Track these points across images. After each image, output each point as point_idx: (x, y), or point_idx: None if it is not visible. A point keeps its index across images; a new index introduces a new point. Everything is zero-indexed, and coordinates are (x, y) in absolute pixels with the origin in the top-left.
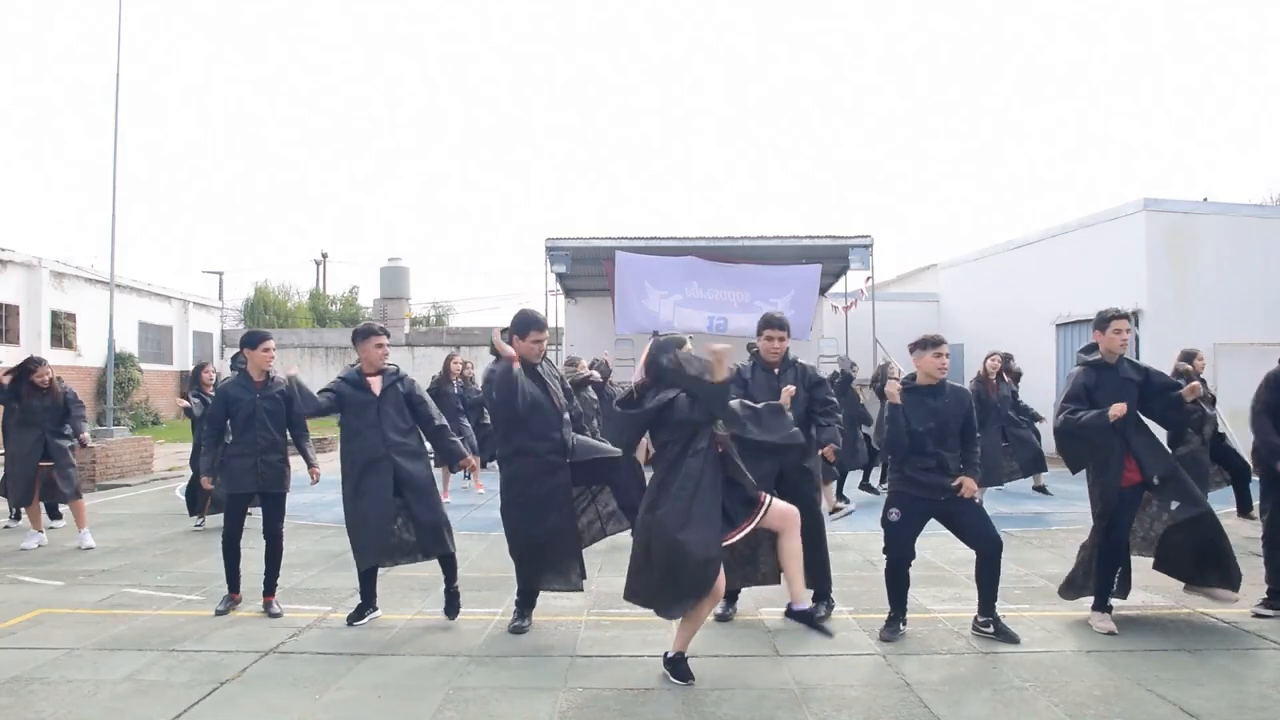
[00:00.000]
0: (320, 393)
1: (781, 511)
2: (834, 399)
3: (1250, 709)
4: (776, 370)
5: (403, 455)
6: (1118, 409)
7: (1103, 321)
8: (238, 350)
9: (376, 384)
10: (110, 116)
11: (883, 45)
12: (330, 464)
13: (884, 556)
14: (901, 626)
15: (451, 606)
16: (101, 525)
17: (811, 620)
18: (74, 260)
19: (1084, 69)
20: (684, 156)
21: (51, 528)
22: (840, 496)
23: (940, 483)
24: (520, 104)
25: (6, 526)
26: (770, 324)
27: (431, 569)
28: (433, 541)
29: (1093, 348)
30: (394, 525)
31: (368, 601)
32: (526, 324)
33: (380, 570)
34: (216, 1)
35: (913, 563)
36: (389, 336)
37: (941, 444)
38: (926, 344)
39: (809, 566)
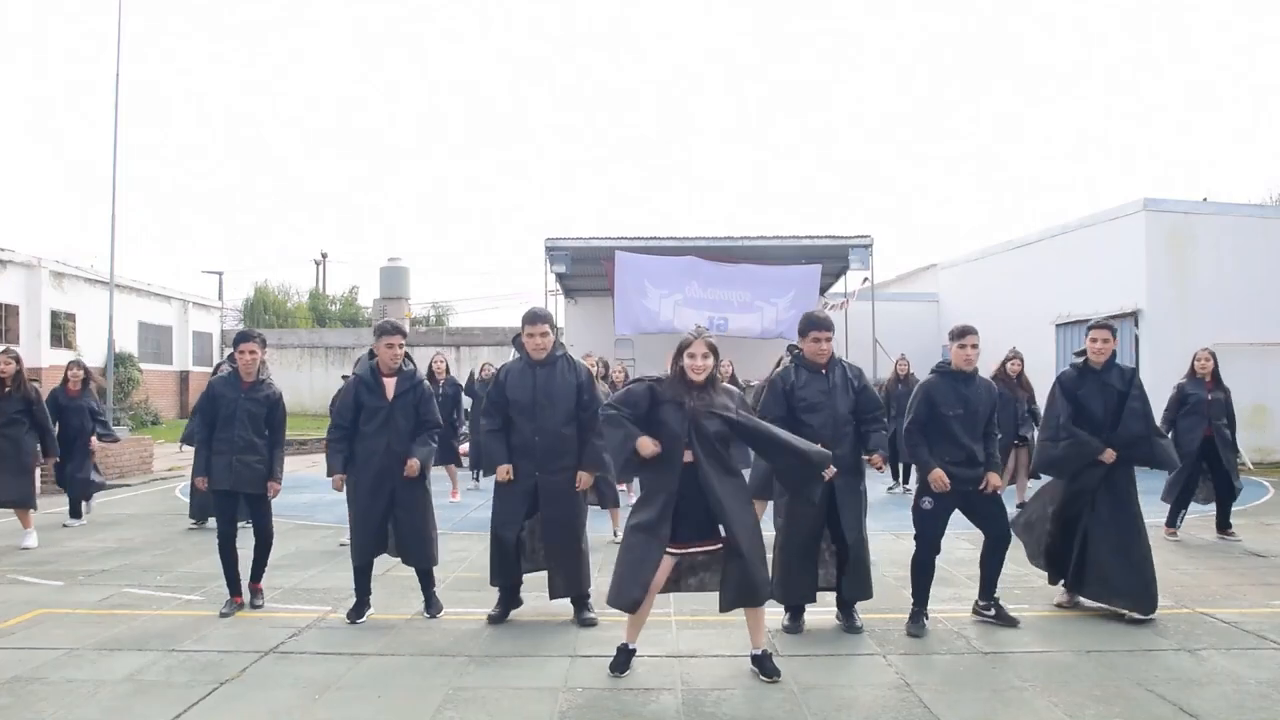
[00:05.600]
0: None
1: None
2: (879, 403)
3: (1250, 709)
4: (824, 370)
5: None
6: (1109, 456)
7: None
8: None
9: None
10: (110, 116)
11: (883, 45)
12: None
13: (904, 547)
14: (925, 620)
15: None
16: (101, 525)
17: (763, 666)
18: (74, 260)
19: (1084, 69)
20: (684, 156)
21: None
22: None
23: (969, 475)
24: (520, 104)
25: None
26: (817, 325)
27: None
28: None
29: (1084, 351)
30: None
31: (362, 599)
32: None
33: (379, 570)
34: (216, 1)
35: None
36: (405, 336)
37: (970, 434)
38: (952, 334)
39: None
